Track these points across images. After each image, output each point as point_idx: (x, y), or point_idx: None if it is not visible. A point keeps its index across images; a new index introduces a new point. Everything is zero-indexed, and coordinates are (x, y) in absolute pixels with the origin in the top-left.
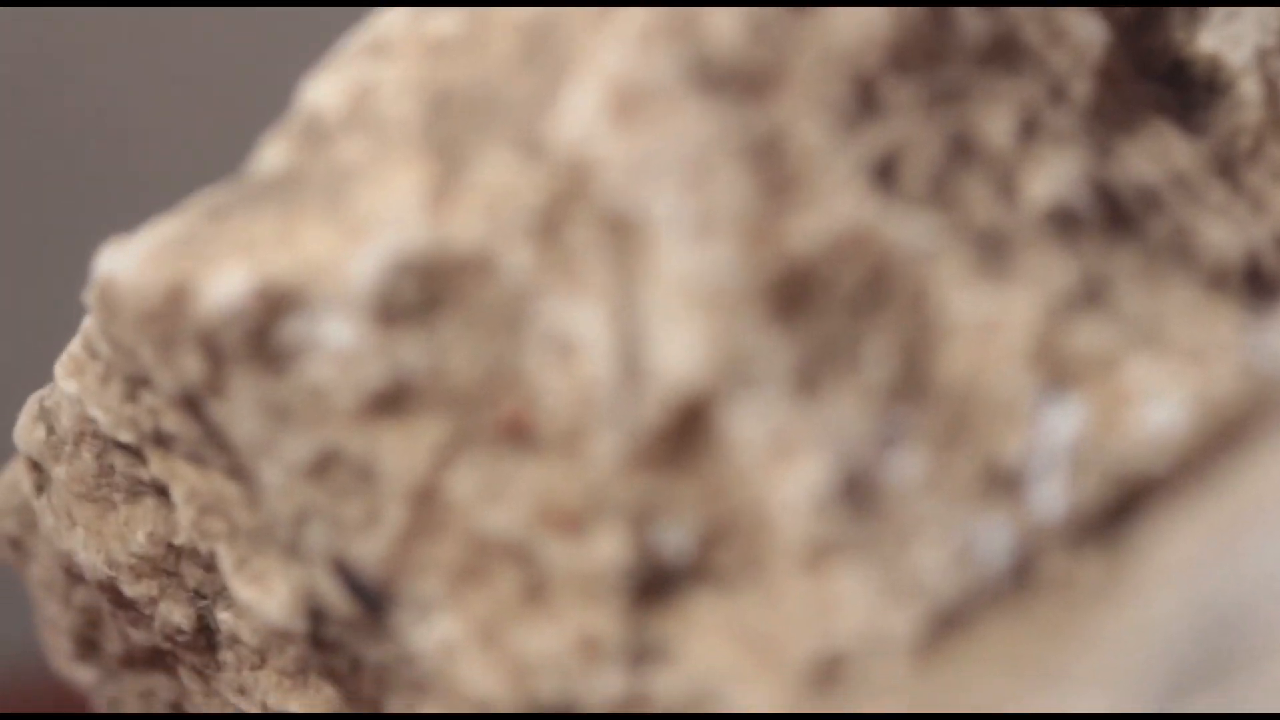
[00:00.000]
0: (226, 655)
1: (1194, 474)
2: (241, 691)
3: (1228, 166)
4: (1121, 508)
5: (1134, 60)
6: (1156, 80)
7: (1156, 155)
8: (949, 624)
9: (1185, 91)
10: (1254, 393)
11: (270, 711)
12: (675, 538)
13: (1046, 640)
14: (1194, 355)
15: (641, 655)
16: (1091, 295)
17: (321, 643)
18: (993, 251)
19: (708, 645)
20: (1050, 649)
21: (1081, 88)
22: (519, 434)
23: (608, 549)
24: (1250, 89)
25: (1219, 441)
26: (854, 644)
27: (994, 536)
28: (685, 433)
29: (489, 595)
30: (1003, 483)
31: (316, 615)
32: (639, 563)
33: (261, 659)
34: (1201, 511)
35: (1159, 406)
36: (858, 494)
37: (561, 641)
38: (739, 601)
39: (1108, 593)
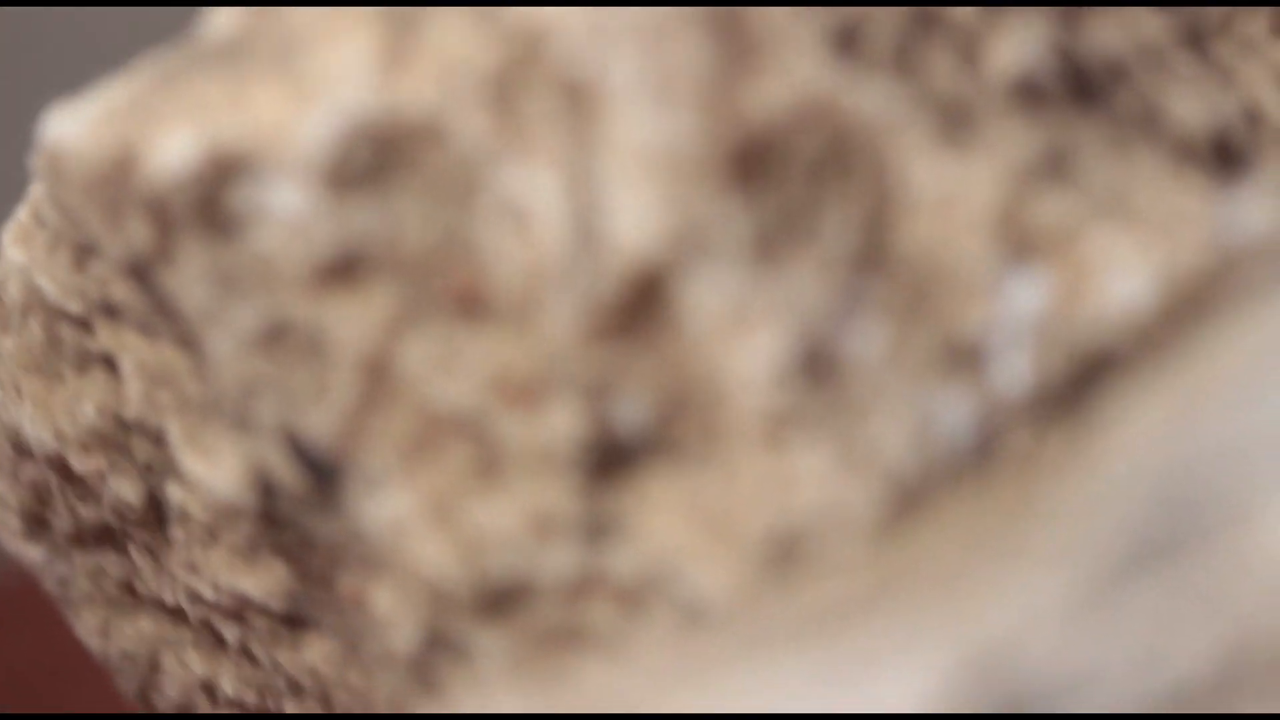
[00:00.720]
0: (177, 532)
1: (1158, 347)
2: (192, 569)
3: (1197, 39)
4: (1084, 382)
5: None
6: None
7: (1124, 26)
8: (908, 500)
9: None
10: (1219, 265)
11: (222, 588)
12: (631, 411)
13: (1006, 516)
14: (1159, 227)
15: (596, 532)
16: (1056, 167)
17: (272, 518)
18: (955, 121)
19: (664, 522)
20: (1009, 525)
21: None
22: (472, 304)
23: (562, 422)
24: None
25: (1184, 314)
26: (812, 520)
27: (955, 411)
28: (642, 304)
29: (441, 470)
30: (964, 357)
31: (267, 490)
32: (594, 436)
33: (212, 536)
34: (1163, 385)
35: (1123, 279)
36: (816, 367)
37: (514, 517)
38: (696, 477)
39: (1068, 468)
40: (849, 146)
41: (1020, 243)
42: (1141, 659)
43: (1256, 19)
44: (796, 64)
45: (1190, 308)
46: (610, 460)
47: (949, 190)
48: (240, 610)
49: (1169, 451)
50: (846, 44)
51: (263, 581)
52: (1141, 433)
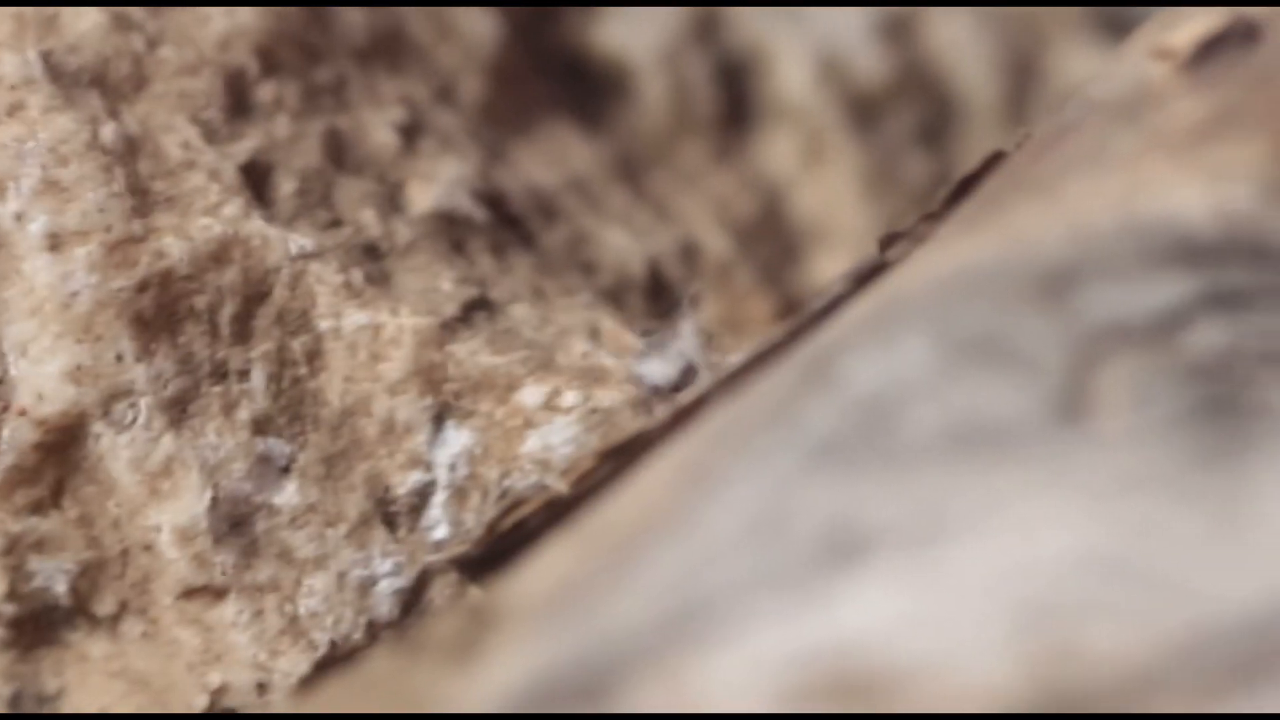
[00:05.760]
0: None
1: (585, 493)
2: None
3: (631, 171)
4: (511, 531)
5: (532, 58)
6: (556, 79)
7: (553, 159)
8: (334, 657)
9: (587, 91)
10: (642, 409)
11: None
12: (54, 573)
13: (431, 674)
14: (587, 373)
15: (22, 695)
16: (480, 311)
17: None
18: (377, 263)
19: (96, 686)
20: (434, 680)
21: (472, 87)
22: None
23: None
24: (656, 89)
25: (609, 459)
26: (239, 681)
27: (383, 564)
28: (56, 461)
29: None
30: (392, 509)
31: None
32: (17, 600)
33: None
34: (582, 532)
35: (550, 427)
36: (238, 524)
37: None
38: (125, 640)
39: (495, 618)
40: (265, 290)
41: (448, 391)
42: None
43: (696, 147)
44: (206, 203)
45: (615, 452)
46: (36, 623)
47: (372, 337)
48: None
49: (580, 610)
50: (259, 179)
51: None
52: (554, 584)
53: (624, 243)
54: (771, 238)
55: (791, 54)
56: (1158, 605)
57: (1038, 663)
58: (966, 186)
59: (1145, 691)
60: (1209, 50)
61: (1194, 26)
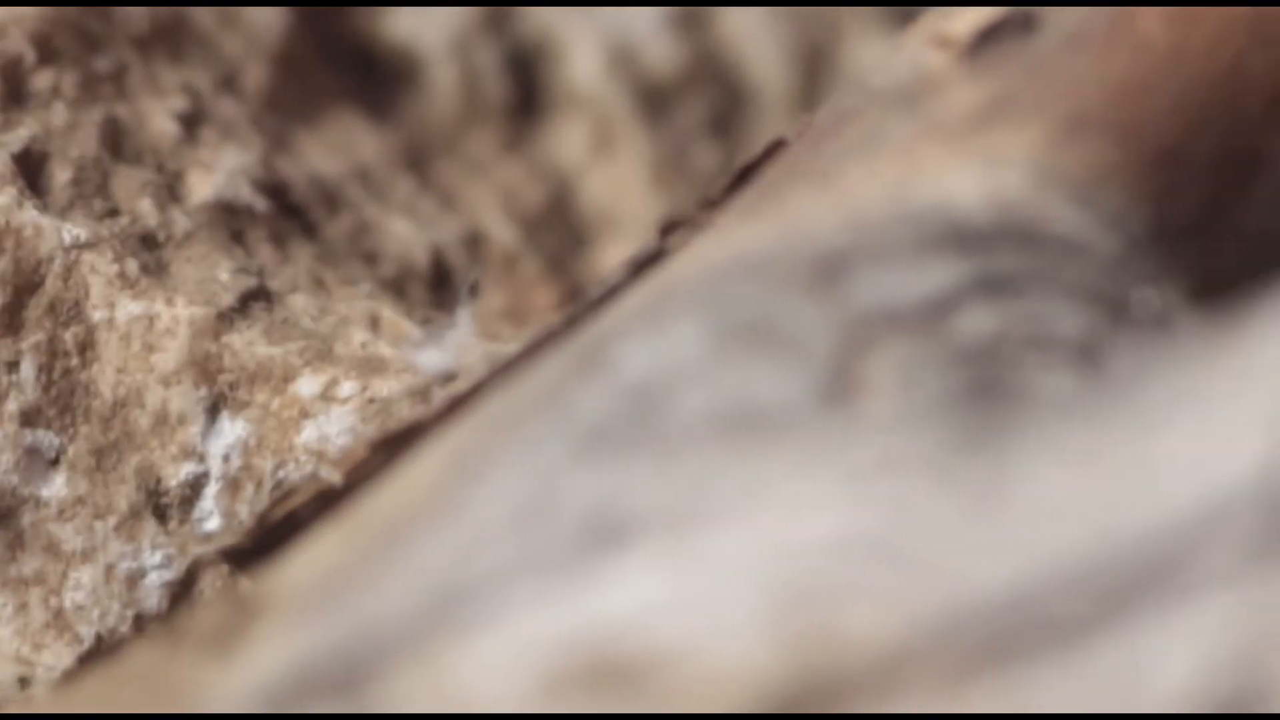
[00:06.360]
0: None
1: (357, 482)
2: None
3: (418, 160)
4: (282, 522)
5: (319, 46)
6: (344, 67)
7: (339, 148)
8: (98, 650)
9: (376, 80)
10: (419, 398)
11: None
12: None
13: (191, 664)
14: (365, 363)
15: None
16: (258, 301)
17: None
18: (154, 253)
19: None
20: (193, 671)
21: (257, 75)
22: None
23: None
24: (445, 77)
25: (382, 449)
26: (1, 675)
27: (152, 557)
28: None
29: None
30: (163, 501)
31: None
32: None
33: None
34: (351, 522)
35: (327, 417)
36: (3, 517)
37: None
38: None
39: (260, 608)
40: (37, 281)
41: (223, 382)
42: None
43: (485, 136)
44: None
45: (387, 443)
46: None
47: (147, 328)
48: None
49: (345, 604)
50: (34, 168)
51: None
52: (319, 575)
53: (408, 232)
54: (559, 227)
55: (582, 43)
56: (914, 586)
57: (795, 645)
58: (747, 174)
59: (899, 671)
60: (987, 39)
61: (973, 16)
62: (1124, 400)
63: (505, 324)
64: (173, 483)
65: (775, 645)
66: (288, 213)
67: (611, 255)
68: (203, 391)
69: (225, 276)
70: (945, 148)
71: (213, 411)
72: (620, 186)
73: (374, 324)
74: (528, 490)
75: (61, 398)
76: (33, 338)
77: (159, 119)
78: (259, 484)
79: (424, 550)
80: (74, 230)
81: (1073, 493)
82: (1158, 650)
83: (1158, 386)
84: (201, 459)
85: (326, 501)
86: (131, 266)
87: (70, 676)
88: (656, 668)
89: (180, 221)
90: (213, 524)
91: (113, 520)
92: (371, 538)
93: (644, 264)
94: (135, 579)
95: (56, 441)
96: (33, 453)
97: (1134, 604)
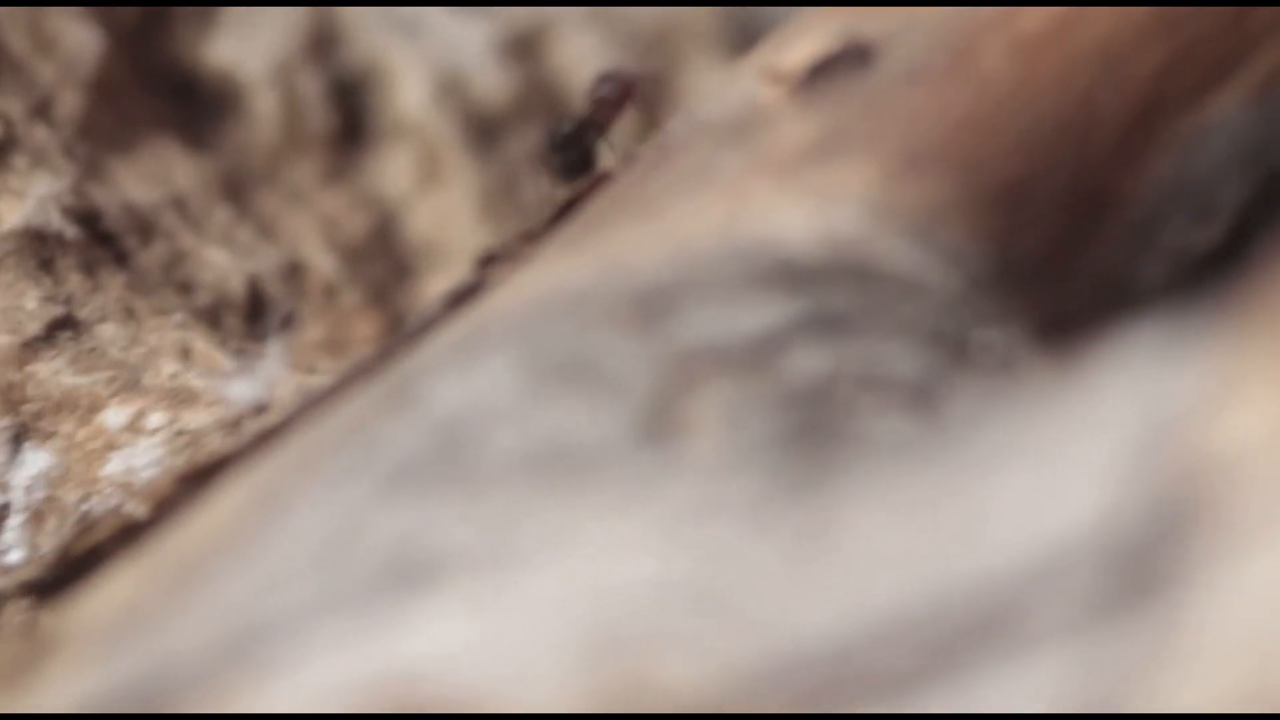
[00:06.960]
0: None
1: (161, 516)
2: None
3: (237, 189)
4: (84, 556)
5: (137, 72)
6: (163, 94)
7: (155, 176)
8: None
9: (196, 107)
10: (230, 431)
11: None
12: None
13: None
14: (175, 395)
15: None
16: (65, 330)
17: None
18: None
19: None
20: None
21: (71, 102)
22: None
23: None
24: (267, 105)
25: (187, 482)
26: None
27: None
28: None
29: None
30: None
31: None
32: None
33: None
34: (151, 557)
35: (134, 449)
36: None
37: None
38: None
39: (58, 642)
40: None
41: (27, 412)
42: None
43: (307, 165)
44: None
45: (198, 474)
46: None
47: None
48: None
49: (147, 635)
50: None
51: None
52: (116, 610)
53: (224, 262)
54: (383, 257)
55: (410, 71)
56: (731, 635)
57: (604, 693)
58: (571, 207)
59: None
60: (820, 73)
61: (806, 47)
62: (960, 444)
63: (324, 355)
64: None
65: (583, 693)
66: (99, 241)
67: (438, 286)
68: (6, 421)
69: (32, 305)
70: (776, 183)
71: (16, 442)
72: (448, 216)
73: (185, 355)
74: (330, 527)
75: None
76: None
77: None
78: (63, 516)
79: (223, 587)
80: None
81: (901, 541)
82: (990, 705)
83: (996, 430)
84: (4, 489)
85: (130, 535)
86: None
87: None
88: (458, 713)
89: None
90: (16, 556)
91: None
92: (170, 573)
93: (461, 297)
94: None
95: None
96: None
97: (964, 656)
